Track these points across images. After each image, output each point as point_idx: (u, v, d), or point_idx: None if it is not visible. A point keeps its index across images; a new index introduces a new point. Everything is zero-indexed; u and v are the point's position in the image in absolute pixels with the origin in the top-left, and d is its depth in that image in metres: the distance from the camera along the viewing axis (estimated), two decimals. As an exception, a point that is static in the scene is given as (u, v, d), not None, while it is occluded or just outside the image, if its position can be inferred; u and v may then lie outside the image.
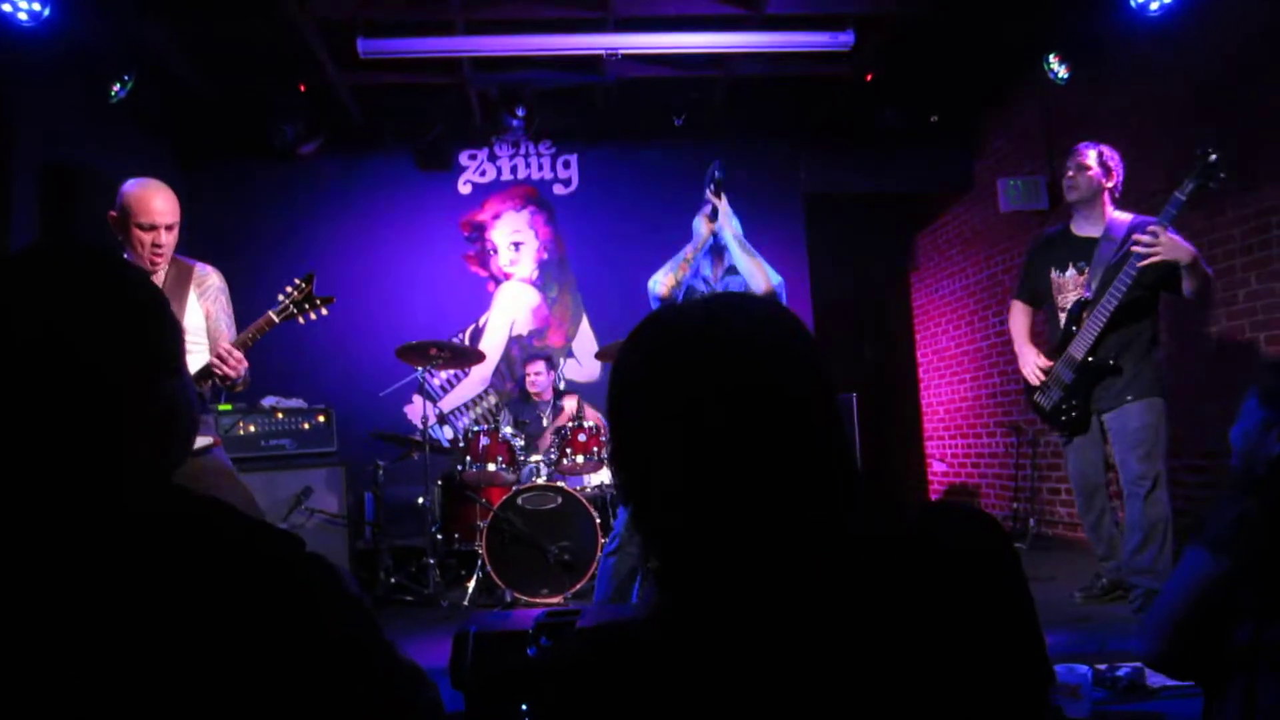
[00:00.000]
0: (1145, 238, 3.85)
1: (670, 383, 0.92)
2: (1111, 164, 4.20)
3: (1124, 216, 4.15)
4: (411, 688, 1.02)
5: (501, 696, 2.39)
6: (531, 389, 6.12)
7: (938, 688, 0.85)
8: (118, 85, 5.26)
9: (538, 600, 5.07)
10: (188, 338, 3.28)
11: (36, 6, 4.35)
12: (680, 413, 0.90)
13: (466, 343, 7.15)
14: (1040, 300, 4.47)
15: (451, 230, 7.39)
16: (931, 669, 0.85)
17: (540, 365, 6.18)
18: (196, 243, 3.36)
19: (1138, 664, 2.91)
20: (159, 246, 3.18)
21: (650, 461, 0.93)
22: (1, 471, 0.92)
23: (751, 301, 0.99)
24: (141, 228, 3.15)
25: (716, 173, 3.81)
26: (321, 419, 5.90)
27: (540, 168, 7.51)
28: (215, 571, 0.90)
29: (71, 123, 5.35)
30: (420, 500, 5.68)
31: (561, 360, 7.23)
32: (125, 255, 3.23)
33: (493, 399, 7.25)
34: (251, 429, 5.69)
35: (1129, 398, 4.03)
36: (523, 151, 7.50)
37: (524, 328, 7.34)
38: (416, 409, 6.70)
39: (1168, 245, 3.83)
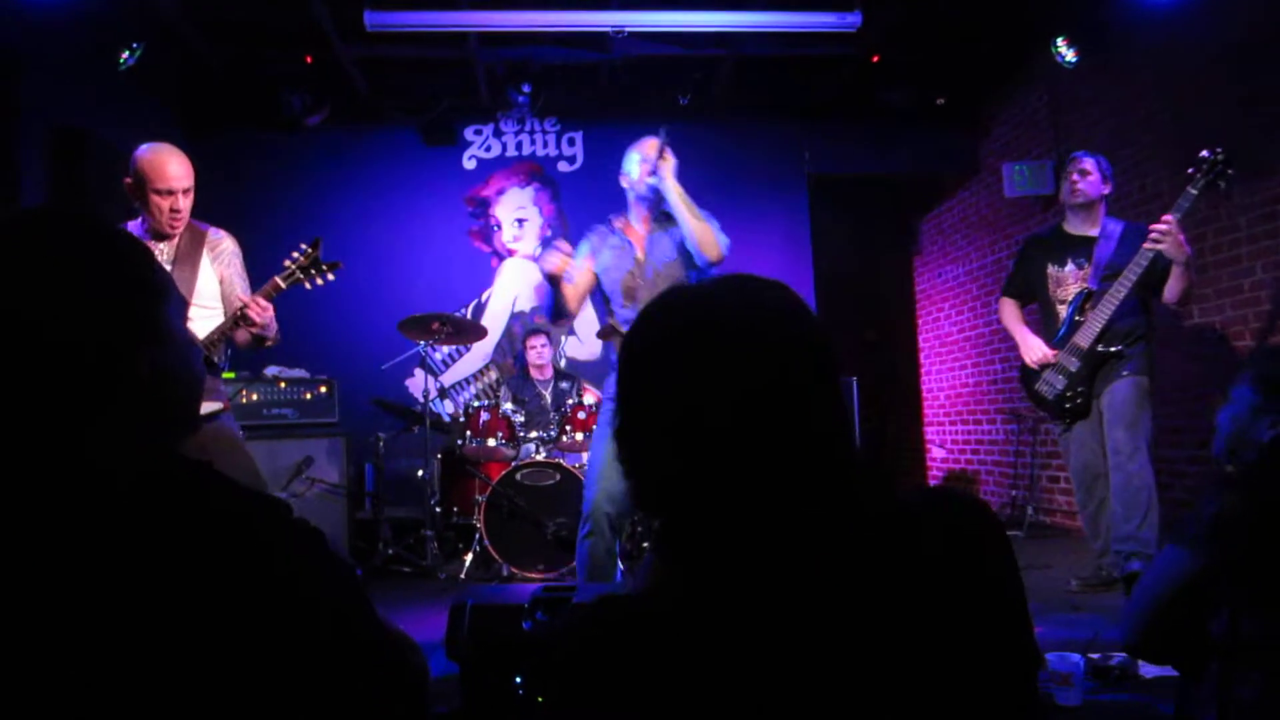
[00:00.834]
0: (1161, 225, 3.97)
1: (678, 362, 0.93)
2: (1108, 173, 4.41)
3: (1116, 222, 4.39)
4: (398, 652, 1.03)
5: (496, 669, 2.41)
6: (535, 362, 6.14)
7: (930, 666, 0.87)
8: (126, 52, 5.24)
9: (534, 575, 5.11)
10: (202, 303, 3.28)
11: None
12: (687, 392, 0.91)
13: (469, 318, 7.16)
14: (1030, 296, 4.64)
15: (456, 205, 7.39)
16: (924, 647, 0.87)
17: (542, 339, 6.19)
18: (200, 211, 3.35)
19: (1129, 654, 2.93)
20: (177, 211, 3.18)
21: (656, 439, 0.94)
22: None
23: (759, 284, 1.01)
24: (159, 193, 3.14)
25: (662, 137, 3.76)
26: (324, 389, 5.92)
27: (545, 144, 7.50)
28: (192, 535, 0.90)
29: (81, 89, 5.33)
30: (420, 473, 5.71)
31: (563, 338, 7.24)
32: (142, 220, 3.24)
33: (494, 374, 7.27)
34: (254, 397, 5.71)
35: (1124, 373, 4.20)
36: (528, 128, 7.49)
37: (526, 304, 7.35)
38: (418, 382, 6.72)
39: (1175, 239, 3.96)
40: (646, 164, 3.83)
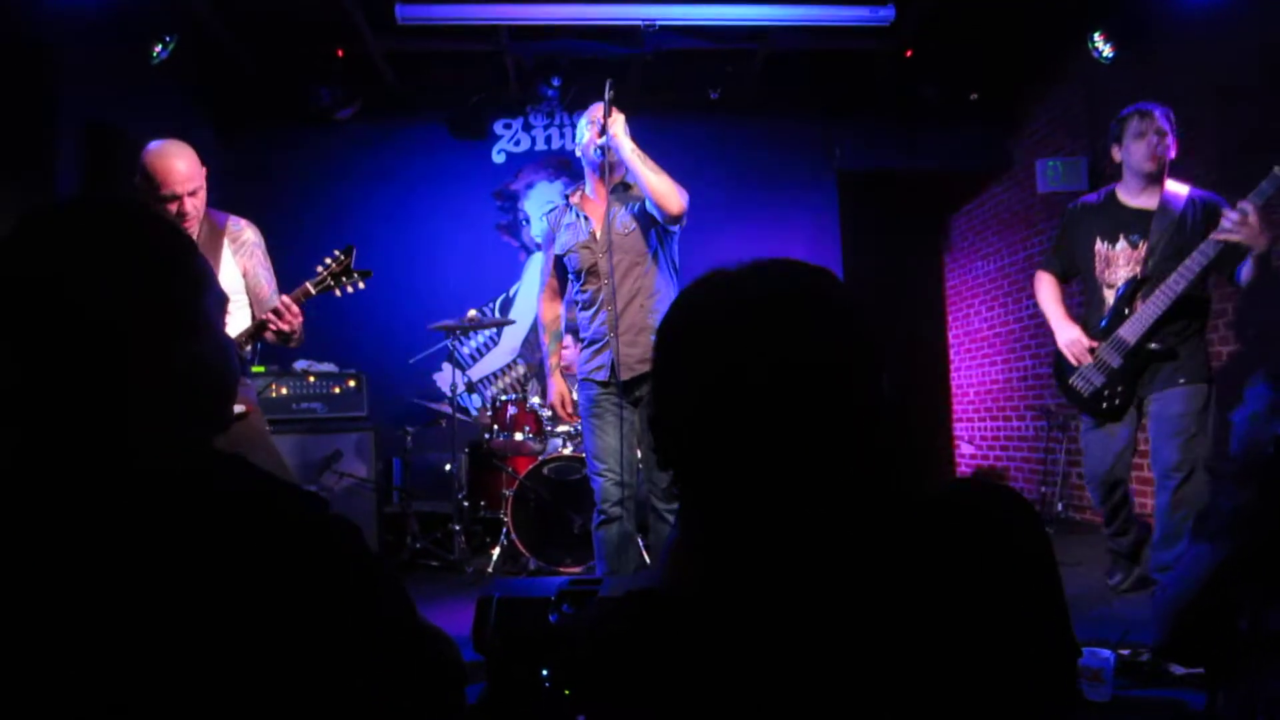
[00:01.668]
0: (1235, 215, 3.45)
1: (715, 348, 0.92)
2: (1175, 130, 3.86)
3: (1180, 189, 3.82)
4: (436, 644, 1.03)
5: (523, 661, 2.42)
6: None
7: (969, 656, 0.86)
8: (159, 46, 5.27)
9: (561, 569, 5.12)
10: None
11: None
12: (723, 379, 0.90)
13: (497, 312, 7.18)
14: (1073, 273, 4.14)
15: (485, 199, 7.40)
16: (962, 638, 0.86)
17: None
18: (230, 204, 3.35)
19: (1161, 652, 2.91)
20: (184, 215, 3.13)
21: (691, 427, 0.93)
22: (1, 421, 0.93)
23: (808, 267, 1.00)
24: (163, 199, 3.09)
25: (608, 91, 3.68)
26: (352, 384, 5.95)
27: (575, 139, 7.48)
28: (235, 530, 0.90)
29: (114, 84, 5.37)
30: (448, 467, 5.73)
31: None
32: None
33: (521, 369, 7.28)
34: (284, 391, 5.74)
35: (1181, 380, 3.73)
36: (557, 122, 7.48)
37: (554, 299, 7.34)
38: (446, 377, 6.74)
39: (1253, 228, 3.44)
40: (594, 125, 3.75)
